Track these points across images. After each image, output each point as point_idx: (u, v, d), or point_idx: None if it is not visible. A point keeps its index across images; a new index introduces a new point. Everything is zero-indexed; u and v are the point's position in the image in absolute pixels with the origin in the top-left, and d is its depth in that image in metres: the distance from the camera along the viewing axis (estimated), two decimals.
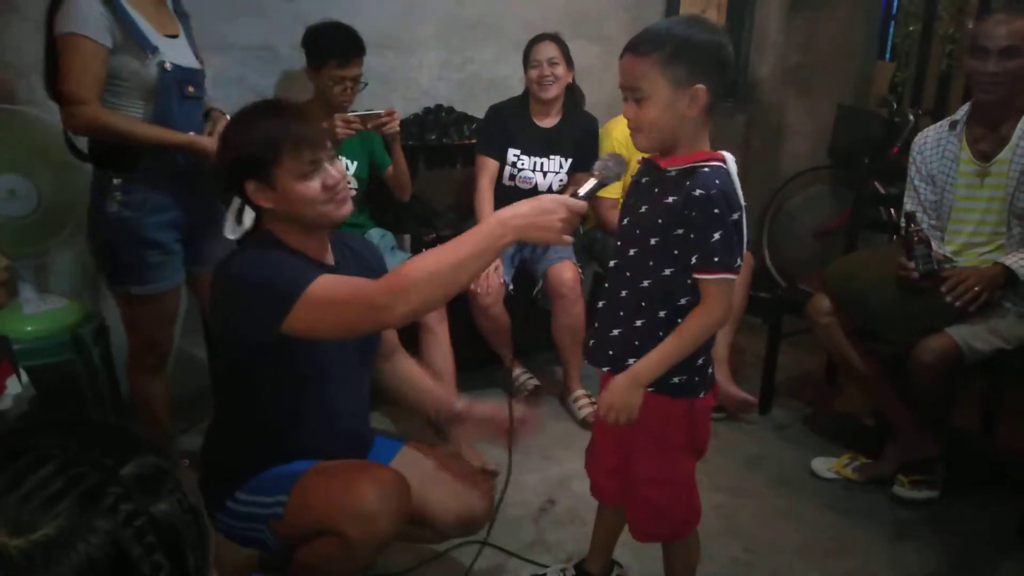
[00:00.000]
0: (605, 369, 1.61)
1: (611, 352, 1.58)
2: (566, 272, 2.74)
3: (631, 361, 1.53)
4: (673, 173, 1.47)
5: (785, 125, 3.93)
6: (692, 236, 1.44)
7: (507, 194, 2.95)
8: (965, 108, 2.37)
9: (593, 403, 2.84)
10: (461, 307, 2.71)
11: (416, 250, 2.83)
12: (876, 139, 3.47)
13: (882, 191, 3.23)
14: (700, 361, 1.54)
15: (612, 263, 1.59)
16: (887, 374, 2.42)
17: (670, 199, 1.45)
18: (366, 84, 2.65)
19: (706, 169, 1.44)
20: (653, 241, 1.48)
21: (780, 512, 2.35)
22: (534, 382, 2.94)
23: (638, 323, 1.53)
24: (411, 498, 1.58)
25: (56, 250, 2.42)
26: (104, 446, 0.65)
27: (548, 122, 2.95)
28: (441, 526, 1.76)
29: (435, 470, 1.78)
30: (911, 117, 3.45)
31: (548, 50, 2.82)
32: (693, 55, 1.41)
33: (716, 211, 1.41)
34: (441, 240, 2.82)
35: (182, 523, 0.65)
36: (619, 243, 1.58)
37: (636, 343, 1.53)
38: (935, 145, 2.39)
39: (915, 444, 2.38)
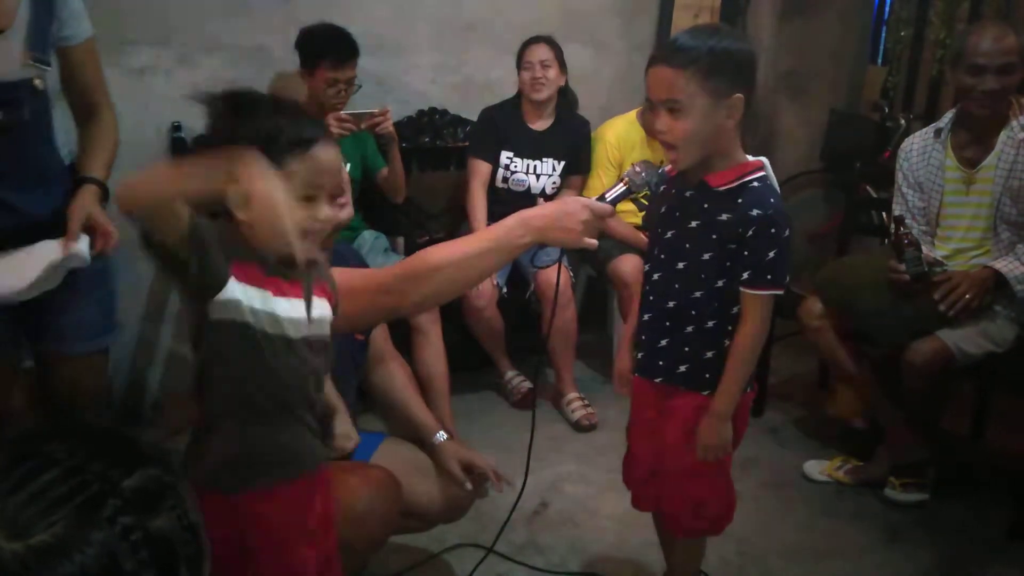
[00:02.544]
0: (658, 380, 1.62)
1: (661, 363, 1.60)
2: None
3: (683, 368, 1.57)
4: (723, 190, 1.48)
5: (777, 129, 3.94)
6: (746, 253, 1.46)
7: (500, 197, 2.96)
8: (949, 115, 2.38)
9: (586, 405, 2.84)
10: (454, 310, 2.71)
11: (409, 252, 2.83)
12: (868, 143, 3.49)
13: (874, 195, 3.24)
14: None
15: (656, 276, 1.59)
16: (878, 377, 2.43)
17: (724, 216, 1.47)
18: (360, 86, 2.65)
19: (755, 184, 1.47)
20: (707, 256, 1.50)
21: (772, 514, 2.35)
22: (527, 385, 2.94)
23: (688, 330, 1.55)
24: (402, 496, 1.59)
25: None
26: (110, 456, 0.65)
27: (541, 125, 2.95)
28: (428, 515, 1.77)
29: (417, 460, 1.78)
30: (903, 121, 3.47)
31: (541, 52, 2.82)
32: (732, 65, 1.41)
33: (773, 230, 1.44)
34: (434, 242, 2.82)
35: (179, 540, 0.65)
36: (663, 256, 1.57)
37: (686, 350, 1.57)
38: (921, 152, 2.40)
39: (906, 447, 2.39)
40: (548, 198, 2.97)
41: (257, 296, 1.14)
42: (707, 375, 1.56)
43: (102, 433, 0.69)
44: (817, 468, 2.54)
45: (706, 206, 1.49)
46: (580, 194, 3.02)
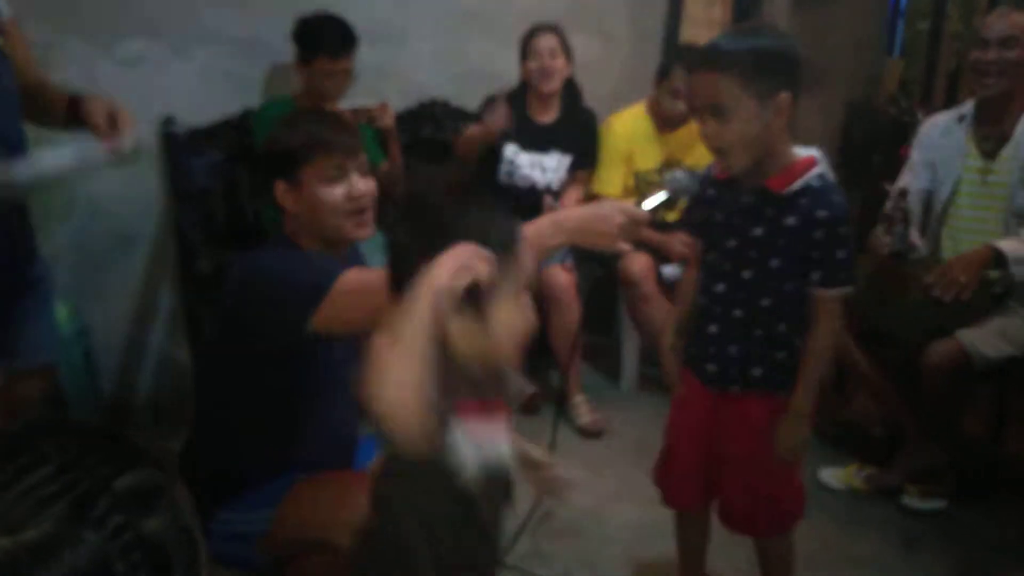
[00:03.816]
0: (735, 388, 1.61)
1: (736, 371, 1.60)
2: (559, 276, 2.69)
3: (756, 371, 1.58)
4: (785, 194, 1.47)
5: (793, 122, 3.87)
6: (816, 255, 1.47)
7: (504, 193, 2.89)
8: (972, 103, 2.38)
9: (593, 410, 2.79)
10: None
11: None
12: (885, 137, 3.47)
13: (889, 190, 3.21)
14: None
15: (719, 287, 1.59)
16: (896, 381, 2.40)
17: (790, 220, 1.47)
18: (357, 77, 2.61)
19: (817, 183, 1.47)
20: (775, 263, 1.50)
21: None
22: (531, 388, 2.87)
23: (757, 333, 1.57)
24: None
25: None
26: (103, 455, 0.65)
27: (547, 117, 2.90)
28: None
29: None
30: (920, 115, 3.43)
31: (549, 42, 2.77)
32: (775, 64, 1.42)
33: (841, 230, 1.46)
34: None
35: (172, 543, 0.64)
36: (725, 266, 1.57)
37: (758, 352, 1.58)
38: (943, 133, 2.41)
39: (924, 452, 2.36)
40: (554, 194, 2.92)
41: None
42: (781, 376, 1.57)
43: (95, 432, 0.68)
44: (833, 475, 2.50)
45: (769, 212, 1.49)
46: (587, 188, 3.01)
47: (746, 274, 1.53)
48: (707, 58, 1.44)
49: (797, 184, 1.46)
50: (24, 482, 0.60)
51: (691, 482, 1.75)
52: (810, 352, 1.54)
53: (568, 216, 1.40)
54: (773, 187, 1.47)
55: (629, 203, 1.45)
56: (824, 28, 3.80)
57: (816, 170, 1.48)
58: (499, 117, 2.66)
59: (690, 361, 1.69)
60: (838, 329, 1.56)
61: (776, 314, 1.53)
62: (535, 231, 1.37)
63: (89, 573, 0.59)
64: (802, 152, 1.52)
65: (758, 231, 1.50)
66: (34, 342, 1.66)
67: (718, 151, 1.46)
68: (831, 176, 1.51)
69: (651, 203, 1.46)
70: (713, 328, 1.61)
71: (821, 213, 1.44)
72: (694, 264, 1.69)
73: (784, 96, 1.42)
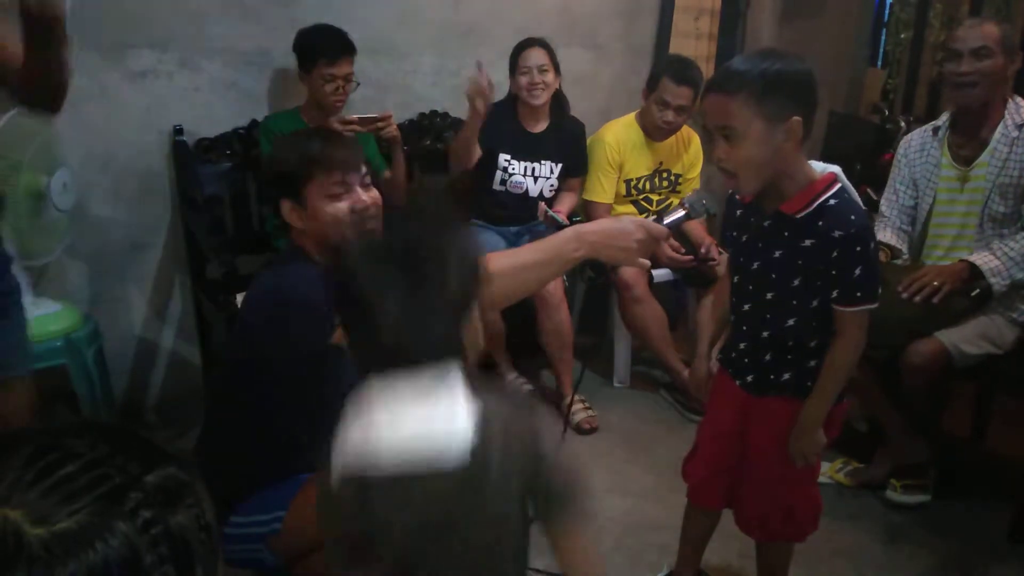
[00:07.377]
0: (772, 394, 1.62)
1: (772, 377, 1.62)
2: None
3: (786, 376, 1.60)
4: (801, 216, 1.46)
5: None
6: (834, 272, 1.46)
7: (499, 199, 2.95)
8: (947, 115, 2.41)
9: (587, 408, 2.83)
10: None
11: None
12: (868, 145, 3.49)
13: (874, 197, 3.23)
14: None
15: (746, 307, 1.60)
16: (878, 379, 2.40)
17: (807, 242, 1.46)
18: (358, 84, 2.65)
19: (833, 202, 1.45)
20: (796, 282, 1.50)
21: None
22: (528, 387, 2.93)
23: (789, 344, 1.57)
24: None
25: (54, 254, 2.42)
26: (130, 453, 0.66)
27: (537, 127, 2.94)
28: None
29: None
30: (902, 124, 3.47)
31: (538, 57, 2.80)
32: (786, 87, 1.39)
33: (858, 248, 1.43)
34: None
35: (196, 539, 0.65)
36: (750, 287, 1.58)
37: (789, 357, 1.59)
38: (919, 149, 2.43)
39: (907, 448, 2.38)
40: (548, 201, 2.97)
41: None
42: (809, 383, 1.57)
43: (120, 431, 0.70)
44: None
45: (787, 234, 1.49)
46: (579, 195, 3.04)
47: (770, 295, 1.54)
48: (720, 80, 1.43)
49: (813, 205, 1.45)
50: (55, 476, 0.61)
51: (715, 483, 1.77)
52: (828, 365, 1.53)
53: (590, 230, 1.39)
54: (788, 211, 1.47)
55: (649, 220, 1.46)
56: (807, 39, 3.82)
57: (833, 189, 1.46)
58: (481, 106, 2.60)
59: (728, 365, 1.70)
60: (861, 345, 1.52)
61: (804, 330, 1.53)
62: (558, 243, 1.39)
63: (120, 563, 0.60)
64: (821, 169, 1.50)
65: (777, 253, 1.50)
66: (6, 354, 1.61)
67: (728, 173, 1.45)
68: (850, 192, 1.50)
69: (669, 220, 1.47)
70: (745, 345, 1.64)
71: (836, 233, 1.42)
72: (727, 277, 1.70)
73: (795, 120, 1.39)
